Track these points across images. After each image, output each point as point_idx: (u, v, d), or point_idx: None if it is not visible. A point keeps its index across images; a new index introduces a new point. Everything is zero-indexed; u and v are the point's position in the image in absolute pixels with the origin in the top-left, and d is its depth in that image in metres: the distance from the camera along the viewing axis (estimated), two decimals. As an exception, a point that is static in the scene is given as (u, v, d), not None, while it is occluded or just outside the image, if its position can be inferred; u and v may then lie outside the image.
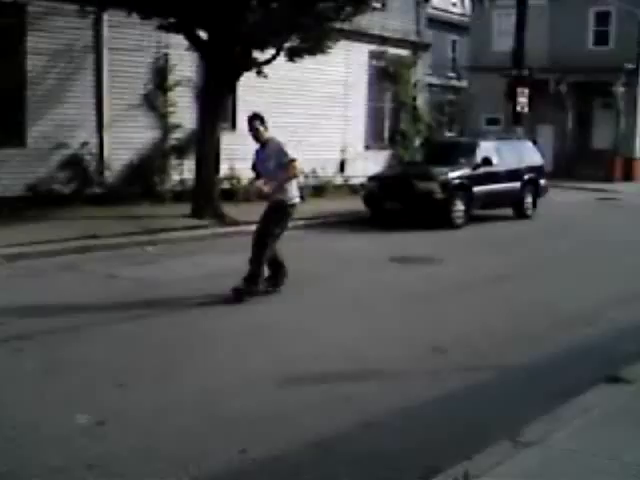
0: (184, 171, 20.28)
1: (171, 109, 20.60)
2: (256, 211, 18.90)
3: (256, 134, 10.86)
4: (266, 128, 10.87)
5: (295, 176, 10.77)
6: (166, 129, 20.64)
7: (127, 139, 19.86)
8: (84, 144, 19.04)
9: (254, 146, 21.88)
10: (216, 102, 18.01)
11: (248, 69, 18.11)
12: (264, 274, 10.78)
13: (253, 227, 17.16)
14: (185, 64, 20.56)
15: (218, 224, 17.27)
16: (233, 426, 6.32)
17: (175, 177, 20.51)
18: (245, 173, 21.63)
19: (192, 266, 13.22)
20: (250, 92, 21.11)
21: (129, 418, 6.43)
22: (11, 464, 5.51)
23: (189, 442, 5.98)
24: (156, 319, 9.68)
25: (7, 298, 10.77)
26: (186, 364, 7.96)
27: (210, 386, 7.31)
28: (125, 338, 8.86)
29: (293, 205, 10.87)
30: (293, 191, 10.87)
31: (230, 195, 20.18)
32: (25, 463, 5.54)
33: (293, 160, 10.57)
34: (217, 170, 18.40)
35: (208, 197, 17.98)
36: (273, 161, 10.67)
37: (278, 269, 11.10)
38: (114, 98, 19.68)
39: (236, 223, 17.35)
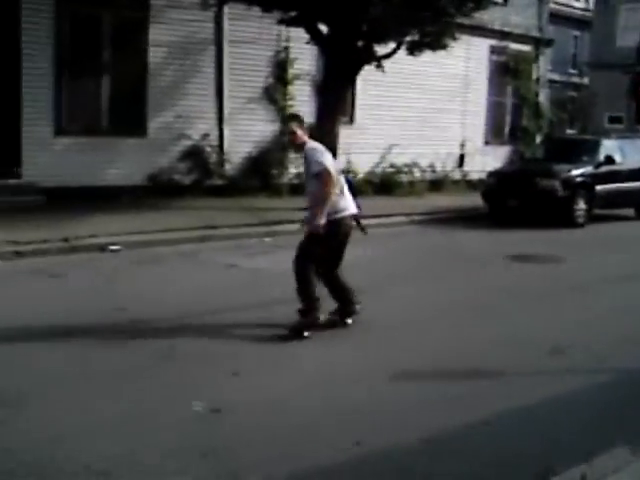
0: (301, 165, 20.30)
1: (290, 102, 20.68)
2: (372, 205, 18.97)
3: (292, 138, 8.92)
4: (305, 131, 8.88)
5: (327, 192, 8.41)
6: (285, 122, 20.70)
7: (246, 132, 20.05)
8: (205, 136, 19.32)
9: (372, 140, 22.11)
10: (335, 96, 17.99)
11: (369, 63, 18.08)
12: (319, 302, 8.76)
13: (369, 221, 17.38)
14: (305, 57, 20.64)
15: (333, 217, 17.26)
16: (346, 418, 6.29)
17: (292, 170, 20.59)
18: (361, 167, 21.77)
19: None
20: (369, 86, 21.15)
21: (244, 407, 6.45)
22: (126, 449, 5.58)
23: (304, 431, 5.97)
24: (273, 308, 9.72)
25: (127, 284, 10.99)
26: (302, 354, 8.00)
27: (324, 378, 7.29)
28: (243, 327, 8.91)
29: (340, 220, 8.71)
30: (340, 202, 8.72)
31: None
32: (140, 448, 5.60)
33: (323, 171, 8.41)
34: (334, 164, 18.37)
35: (324, 191, 17.95)
36: (307, 170, 8.79)
37: (343, 297, 9.16)
38: (234, 91, 19.89)
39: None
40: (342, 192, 8.79)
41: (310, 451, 5.63)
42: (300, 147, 8.87)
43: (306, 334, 8.49)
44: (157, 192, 18.13)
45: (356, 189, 9.53)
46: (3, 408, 6.28)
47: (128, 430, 5.93)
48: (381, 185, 22.26)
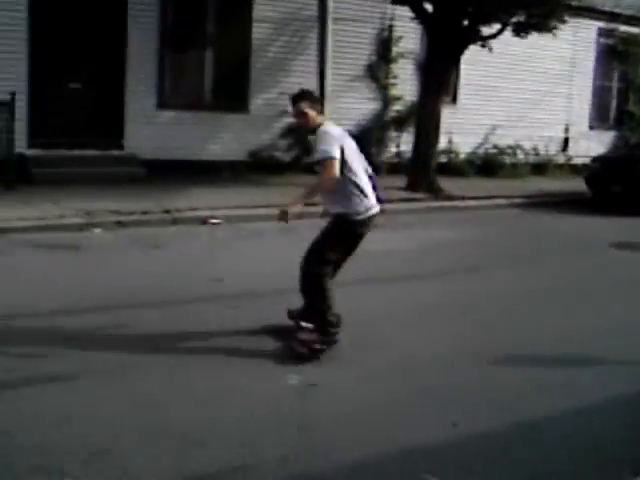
0: (401, 143, 20.26)
1: (392, 81, 20.56)
2: (473, 186, 18.79)
3: (303, 121, 7.31)
4: (318, 111, 7.36)
5: (322, 182, 7.07)
6: (386, 101, 20.63)
7: (348, 109, 19.95)
8: (305, 113, 19.31)
9: (475, 120, 21.83)
10: (439, 75, 17.85)
11: (473, 43, 17.87)
12: (340, 318, 7.32)
13: (469, 202, 17.26)
14: (409, 36, 20.46)
15: (433, 198, 17.17)
16: (442, 399, 6.25)
17: (392, 149, 20.52)
18: (463, 147, 21.58)
19: (406, 238, 13.16)
20: (472, 66, 20.87)
21: (339, 383, 6.45)
22: (223, 420, 5.61)
23: (399, 411, 5.95)
24: (370, 285, 9.68)
25: (226, 257, 11.05)
26: (394, 332, 7.96)
27: (418, 356, 7.24)
28: (338, 302, 8.84)
29: (361, 222, 7.27)
30: (363, 201, 7.24)
31: (446, 169, 20.00)
32: (237, 420, 5.64)
33: (326, 159, 6.91)
34: (435, 143, 18.26)
35: (425, 170, 17.89)
36: (315, 155, 7.27)
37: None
38: (337, 68, 19.76)
39: (451, 198, 17.24)
40: (367, 190, 7.27)
41: (406, 431, 5.59)
42: (314, 131, 7.22)
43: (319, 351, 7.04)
44: (257, 168, 18.26)
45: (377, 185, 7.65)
46: (105, 376, 6.41)
47: (225, 402, 5.97)
48: (483, 166, 22.01)
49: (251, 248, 11.92)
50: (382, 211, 7.51)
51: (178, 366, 6.68)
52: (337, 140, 7.03)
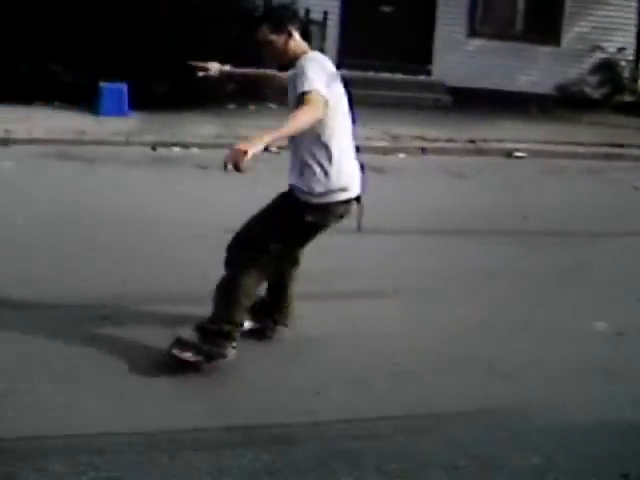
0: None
1: None
2: None
3: (269, 52, 4.98)
4: (289, 34, 4.88)
5: (299, 118, 4.50)
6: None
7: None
8: (621, 49, 18.53)
9: None
10: None
11: None
12: (239, 324, 5.02)
13: None
14: None
15: None
16: None
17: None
18: None
19: None
20: None
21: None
22: (524, 356, 5.52)
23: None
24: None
25: (531, 193, 10.80)
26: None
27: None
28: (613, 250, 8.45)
29: (316, 208, 4.88)
30: (326, 179, 4.85)
31: None
32: (537, 357, 5.53)
33: (306, 93, 4.54)
34: None
35: None
36: (291, 94, 4.85)
37: (279, 300, 5.48)
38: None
39: None
40: (343, 164, 4.90)
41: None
42: (289, 64, 4.94)
43: (190, 358, 4.90)
44: (564, 103, 17.76)
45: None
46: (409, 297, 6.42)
47: (523, 336, 5.87)
48: None
49: (556, 186, 11.59)
50: (358, 200, 5.06)
51: (484, 293, 6.68)
52: (327, 75, 4.75)
